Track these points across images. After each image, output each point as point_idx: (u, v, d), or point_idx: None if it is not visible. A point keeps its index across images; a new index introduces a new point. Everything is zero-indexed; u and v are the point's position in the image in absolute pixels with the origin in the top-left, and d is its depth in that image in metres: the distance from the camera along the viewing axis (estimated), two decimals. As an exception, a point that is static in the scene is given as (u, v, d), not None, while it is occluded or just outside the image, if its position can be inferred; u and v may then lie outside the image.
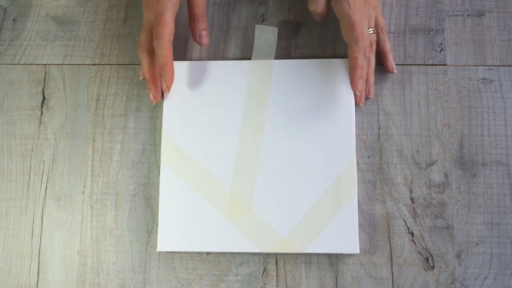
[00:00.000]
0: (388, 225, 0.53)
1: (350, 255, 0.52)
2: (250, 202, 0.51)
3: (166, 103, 0.54)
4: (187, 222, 0.52)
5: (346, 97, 0.53)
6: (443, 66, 0.56)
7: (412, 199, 0.53)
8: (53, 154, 0.57)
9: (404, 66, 0.56)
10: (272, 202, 0.51)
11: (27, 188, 0.56)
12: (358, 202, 0.53)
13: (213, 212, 0.51)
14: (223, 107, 0.54)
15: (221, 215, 0.51)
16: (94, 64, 0.59)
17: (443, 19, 0.58)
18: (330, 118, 0.52)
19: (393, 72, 0.55)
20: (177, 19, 0.52)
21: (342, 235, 0.50)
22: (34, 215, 0.55)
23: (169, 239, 0.52)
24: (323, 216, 0.51)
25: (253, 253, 0.53)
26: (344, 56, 0.54)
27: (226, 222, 0.51)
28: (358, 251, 0.50)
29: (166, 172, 0.53)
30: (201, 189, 0.52)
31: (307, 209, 0.51)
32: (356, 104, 0.53)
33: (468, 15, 0.57)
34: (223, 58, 0.57)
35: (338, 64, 0.54)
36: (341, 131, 0.52)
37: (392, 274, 0.52)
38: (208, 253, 0.53)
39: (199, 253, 0.53)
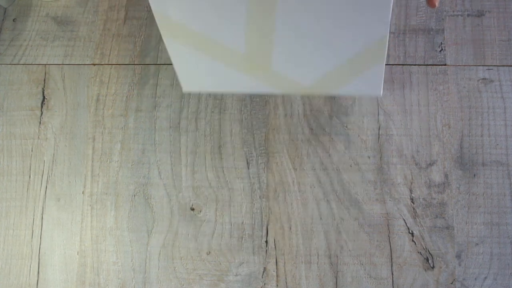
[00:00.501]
0: (388, 225, 0.53)
1: (350, 254, 0.52)
2: (268, 62, 0.46)
3: None
4: (204, 67, 0.47)
5: None
6: (443, 66, 0.56)
7: (412, 199, 0.53)
8: (53, 154, 0.57)
9: (404, 66, 0.56)
10: (292, 61, 0.46)
11: (27, 188, 0.56)
12: (359, 202, 0.53)
13: (229, 69, 0.47)
14: None
15: (237, 71, 0.47)
16: (94, 64, 0.59)
17: (443, 19, 0.58)
18: None
19: (435, 6, 0.43)
20: None
21: (367, 79, 0.46)
22: (34, 215, 0.55)
23: (190, 80, 0.48)
24: (347, 74, 0.46)
25: (253, 253, 0.53)
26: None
27: (243, 75, 0.47)
28: (381, 94, 0.48)
29: (171, 44, 0.46)
30: (213, 55, 0.46)
31: (329, 69, 0.46)
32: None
33: (468, 15, 0.58)
34: None
35: None
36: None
37: (392, 274, 0.52)
38: (208, 253, 0.53)
39: (197, 253, 0.53)
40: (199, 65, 0.47)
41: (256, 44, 0.45)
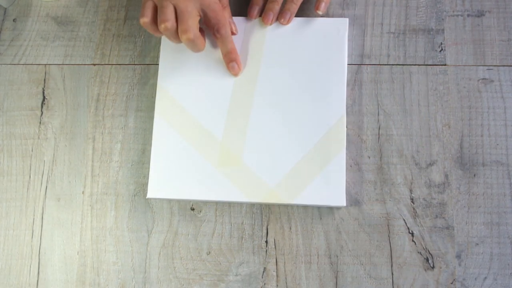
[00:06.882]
0: (388, 225, 0.53)
1: (350, 254, 0.52)
2: (240, 153, 0.53)
3: (162, 55, 0.56)
4: (177, 171, 0.53)
5: (338, 54, 0.55)
6: (443, 66, 0.56)
7: (412, 199, 0.53)
8: (53, 154, 0.57)
9: (404, 66, 0.56)
10: (262, 153, 0.53)
11: (27, 188, 0.56)
12: (358, 202, 0.53)
13: (203, 162, 0.53)
14: (218, 60, 0.55)
15: (211, 164, 0.53)
16: (94, 64, 0.59)
17: (443, 19, 0.58)
18: (321, 73, 0.54)
19: (317, 12, 0.56)
20: None
21: (329, 188, 0.51)
22: (34, 215, 0.55)
23: (158, 186, 0.52)
24: (312, 168, 0.52)
25: (253, 253, 0.53)
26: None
27: (215, 171, 0.52)
28: (344, 204, 0.51)
29: (159, 122, 0.54)
30: (192, 139, 0.53)
31: (296, 161, 0.52)
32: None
33: (468, 15, 0.58)
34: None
35: (330, 23, 0.56)
36: (332, 86, 0.54)
37: (392, 274, 0.52)
38: (208, 253, 0.53)
39: (197, 253, 0.53)
40: (176, 160, 0.53)
41: (233, 134, 0.53)
